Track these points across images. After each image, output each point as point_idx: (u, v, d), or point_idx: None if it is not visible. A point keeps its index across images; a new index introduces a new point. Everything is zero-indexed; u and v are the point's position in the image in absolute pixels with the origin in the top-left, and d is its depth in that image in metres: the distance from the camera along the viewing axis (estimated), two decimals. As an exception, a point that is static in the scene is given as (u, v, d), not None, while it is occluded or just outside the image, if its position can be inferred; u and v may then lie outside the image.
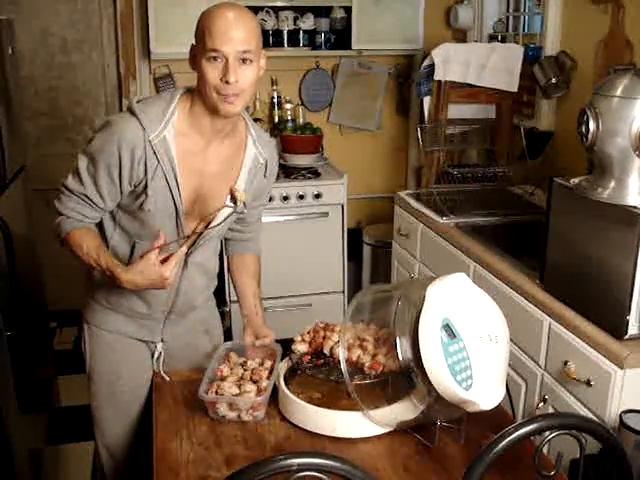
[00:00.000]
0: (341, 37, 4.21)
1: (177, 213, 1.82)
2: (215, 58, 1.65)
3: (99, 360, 2.02)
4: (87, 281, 1.99)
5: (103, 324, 1.99)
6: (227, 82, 1.65)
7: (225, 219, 1.92)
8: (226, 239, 2.14)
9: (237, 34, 1.65)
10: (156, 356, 2.04)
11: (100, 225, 1.88)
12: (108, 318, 1.99)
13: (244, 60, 1.67)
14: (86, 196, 1.78)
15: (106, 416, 2.04)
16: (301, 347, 1.82)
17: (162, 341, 2.05)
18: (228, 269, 2.21)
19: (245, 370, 1.83)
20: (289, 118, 4.23)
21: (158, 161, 1.74)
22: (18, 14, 3.95)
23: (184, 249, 1.80)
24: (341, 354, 1.66)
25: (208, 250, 2.01)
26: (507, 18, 3.79)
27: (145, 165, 1.74)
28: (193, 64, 1.74)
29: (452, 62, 3.26)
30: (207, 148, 1.82)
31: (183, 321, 2.06)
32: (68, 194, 1.81)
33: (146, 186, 1.76)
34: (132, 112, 1.74)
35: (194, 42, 1.73)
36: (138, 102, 1.78)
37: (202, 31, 1.67)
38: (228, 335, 3.64)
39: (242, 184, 1.91)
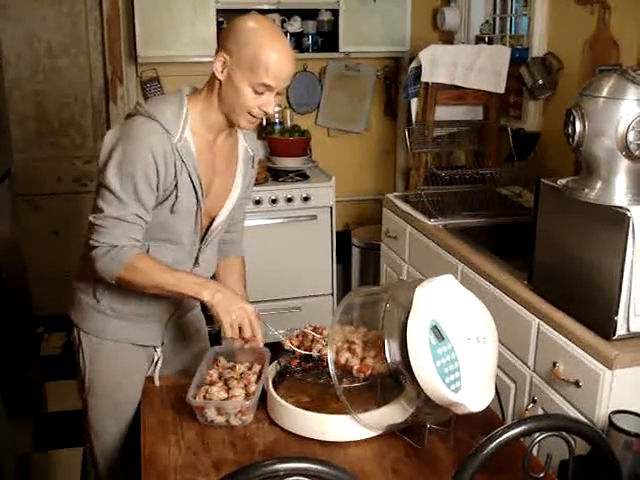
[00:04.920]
0: (328, 40, 4.21)
1: (198, 211, 1.86)
2: (263, 92, 1.70)
3: (100, 372, 1.98)
4: (83, 290, 1.95)
5: (104, 333, 1.95)
6: (265, 112, 1.74)
7: (230, 210, 1.97)
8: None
9: (289, 73, 1.71)
10: (155, 360, 2.01)
11: None
12: (110, 326, 1.95)
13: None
14: (137, 216, 1.75)
15: (107, 427, 2.00)
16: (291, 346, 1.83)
17: (162, 344, 2.04)
18: (214, 273, 2.20)
19: (234, 374, 1.82)
20: (277, 121, 4.23)
21: (183, 162, 1.76)
22: (3, 18, 3.94)
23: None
24: (329, 357, 1.66)
25: (213, 247, 2.05)
26: (494, 20, 3.80)
27: (174, 167, 1.76)
28: (222, 72, 1.72)
29: (439, 64, 3.27)
30: (214, 145, 1.87)
31: (181, 321, 2.05)
32: (114, 222, 1.74)
33: (176, 187, 1.78)
34: (149, 116, 1.74)
35: (228, 52, 1.69)
36: None
37: (255, 58, 1.66)
38: (217, 339, 3.62)
39: (240, 177, 1.96)
